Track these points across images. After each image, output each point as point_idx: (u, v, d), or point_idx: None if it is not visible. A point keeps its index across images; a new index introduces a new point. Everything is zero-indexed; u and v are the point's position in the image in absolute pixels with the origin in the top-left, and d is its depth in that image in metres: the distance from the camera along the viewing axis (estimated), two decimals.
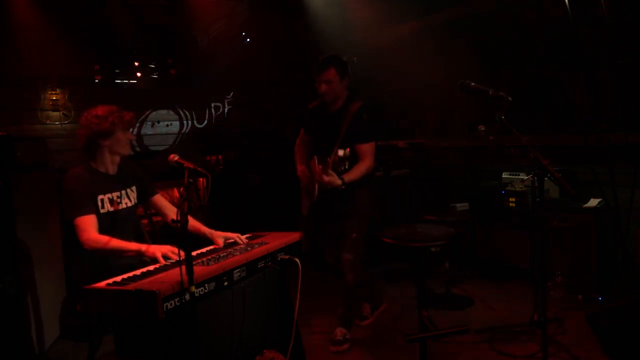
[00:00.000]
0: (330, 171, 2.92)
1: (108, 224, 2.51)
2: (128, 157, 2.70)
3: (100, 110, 2.52)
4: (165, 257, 2.29)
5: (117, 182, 2.62)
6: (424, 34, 5.54)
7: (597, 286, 3.55)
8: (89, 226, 2.36)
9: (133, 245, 2.36)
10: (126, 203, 2.64)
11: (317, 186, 3.18)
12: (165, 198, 4.49)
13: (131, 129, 2.65)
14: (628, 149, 3.76)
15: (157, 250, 2.31)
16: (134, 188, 2.71)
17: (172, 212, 2.77)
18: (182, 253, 1.93)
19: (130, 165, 2.73)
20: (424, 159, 5.36)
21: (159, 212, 2.85)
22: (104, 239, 2.35)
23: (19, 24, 4.91)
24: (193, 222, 2.69)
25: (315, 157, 3.24)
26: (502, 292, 4.00)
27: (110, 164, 2.59)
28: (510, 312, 3.58)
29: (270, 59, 6.43)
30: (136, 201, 2.72)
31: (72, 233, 2.40)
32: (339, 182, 2.95)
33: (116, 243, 2.34)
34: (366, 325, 3.48)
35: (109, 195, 2.55)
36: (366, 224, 3.25)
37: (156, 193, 2.82)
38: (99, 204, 2.50)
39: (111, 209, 2.55)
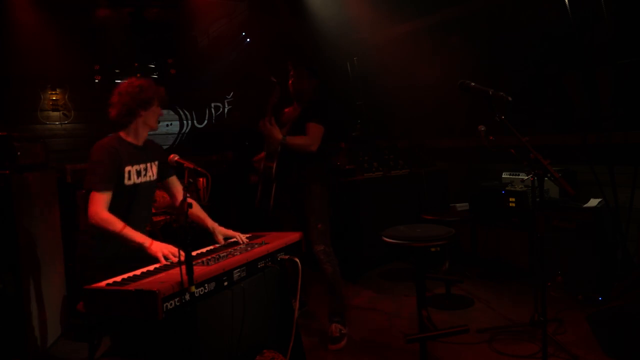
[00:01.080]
0: (273, 123, 3.23)
1: (131, 196, 2.51)
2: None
3: (142, 81, 2.55)
4: (165, 258, 2.29)
5: (144, 154, 2.63)
6: (423, 34, 5.54)
7: (597, 286, 3.55)
8: (100, 203, 2.34)
9: (139, 237, 2.34)
10: (150, 176, 2.65)
11: (261, 169, 3.40)
12: (165, 198, 4.52)
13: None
14: (628, 149, 3.76)
15: (159, 249, 2.30)
16: (156, 163, 2.71)
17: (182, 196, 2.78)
18: (182, 254, 1.93)
19: (154, 142, 2.75)
20: (424, 159, 5.36)
21: (170, 193, 2.85)
22: (112, 220, 2.33)
23: (19, 24, 4.92)
24: (199, 213, 2.72)
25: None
26: (502, 292, 4.00)
27: (140, 136, 2.61)
28: (510, 312, 3.58)
29: (270, 59, 6.43)
30: (157, 176, 2.72)
31: (67, 240, 2.40)
32: (280, 135, 3.23)
33: (125, 230, 2.33)
34: (338, 349, 3.21)
35: (137, 166, 2.56)
36: (326, 215, 3.42)
37: (173, 174, 2.82)
38: (126, 175, 2.49)
39: (137, 180, 2.55)
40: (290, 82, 3.54)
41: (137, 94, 2.50)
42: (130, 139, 2.58)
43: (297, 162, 3.38)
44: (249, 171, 3.74)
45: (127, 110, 2.51)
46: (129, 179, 2.51)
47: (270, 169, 3.35)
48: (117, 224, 2.32)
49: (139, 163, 2.58)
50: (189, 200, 2.03)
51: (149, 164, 2.65)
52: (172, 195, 2.86)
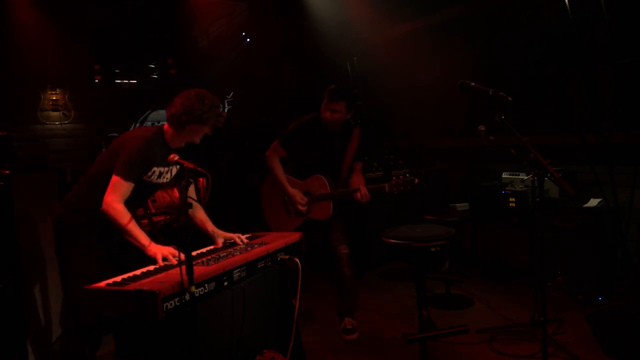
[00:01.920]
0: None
1: (141, 189, 2.51)
2: None
3: (211, 99, 2.51)
4: (164, 259, 2.28)
5: None
6: (423, 34, 5.54)
7: (597, 286, 3.55)
8: (121, 193, 2.35)
9: (140, 236, 2.33)
10: (165, 178, 2.65)
11: (332, 205, 3.32)
12: (165, 198, 4.51)
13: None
14: (628, 149, 3.76)
15: (159, 251, 2.30)
16: (178, 167, 2.67)
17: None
18: (182, 255, 1.93)
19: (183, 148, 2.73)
20: (424, 159, 5.36)
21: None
22: (123, 213, 2.33)
23: (19, 24, 4.91)
24: (201, 216, 2.73)
25: (322, 176, 3.35)
26: (502, 292, 4.00)
27: (178, 143, 2.59)
28: (510, 312, 3.58)
29: (270, 59, 6.43)
30: (171, 181, 2.73)
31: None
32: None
33: (131, 225, 2.33)
34: (352, 339, 3.33)
35: (161, 168, 2.57)
36: (343, 218, 3.48)
37: (191, 184, 2.79)
38: (149, 173, 2.50)
39: (156, 180, 2.57)
40: (326, 115, 3.30)
41: (197, 108, 2.45)
42: (169, 139, 2.56)
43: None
44: (249, 171, 3.74)
45: (178, 116, 2.47)
46: (150, 177, 2.53)
47: (334, 215, 3.35)
48: (125, 218, 2.33)
49: (164, 166, 2.59)
50: (190, 201, 2.03)
51: (173, 168, 2.66)
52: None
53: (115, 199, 2.33)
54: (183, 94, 2.50)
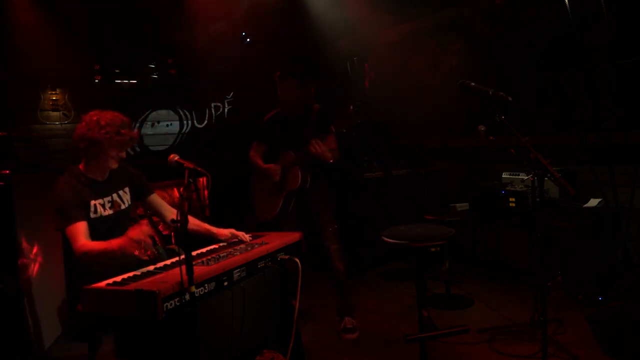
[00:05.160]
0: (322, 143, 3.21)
1: (103, 229, 2.46)
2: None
3: (104, 119, 2.42)
4: (139, 242, 2.20)
5: (107, 187, 2.55)
6: (424, 34, 5.54)
7: (597, 286, 3.55)
8: (78, 234, 2.29)
9: (110, 245, 2.23)
10: (119, 206, 2.57)
11: (299, 171, 3.37)
12: (165, 198, 4.51)
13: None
14: (628, 149, 3.76)
15: (135, 234, 2.19)
16: (126, 189, 2.64)
17: (169, 212, 2.73)
18: (182, 255, 1.93)
19: (121, 165, 2.60)
20: (424, 159, 5.36)
21: (156, 212, 2.78)
22: (89, 244, 2.27)
23: (19, 24, 4.91)
24: (194, 221, 2.68)
25: (290, 152, 3.43)
26: (502, 292, 4.00)
27: (98, 172, 2.51)
28: (510, 312, 3.58)
29: (270, 59, 6.43)
30: (130, 202, 2.65)
31: (67, 242, 2.37)
32: (330, 154, 3.27)
33: (98, 245, 2.26)
34: (352, 338, 3.35)
35: (100, 200, 2.49)
36: (335, 214, 3.52)
37: (152, 192, 2.76)
38: (92, 208, 2.44)
39: (104, 213, 2.49)
40: (280, 93, 3.49)
41: (90, 133, 2.38)
42: (89, 174, 2.49)
43: (320, 169, 3.47)
44: (249, 171, 3.75)
45: (81, 145, 2.40)
46: (95, 212, 2.45)
47: (307, 175, 3.39)
48: (102, 244, 2.26)
49: (102, 197, 2.51)
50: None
51: (114, 194, 2.57)
52: (159, 213, 2.78)
53: (78, 243, 2.26)
54: (80, 126, 2.43)
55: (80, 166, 2.51)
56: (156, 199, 2.77)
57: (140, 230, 2.20)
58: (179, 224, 1.92)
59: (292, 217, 3.50)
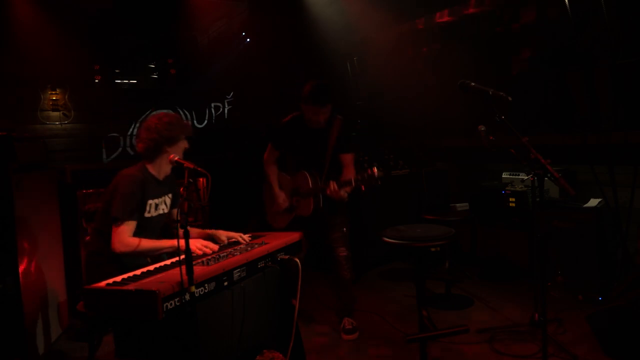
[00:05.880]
0: (342, 189, 3.08)
1: (145, 227, 2.56)
2: None
3: (170, 117, 2.61)
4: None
5: (163, 188, 2.69)
6: (423, 34, 5.53)
7: (597, 286, 3.55)
8: (127, 232, 2.42)
9: (166, 242, 2.43)
10: (163, 209, 2.71)
11: (312, 201, 3.29)
12: None
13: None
14: (628, 149, 3.76)
15: (192, 244, 2.33)
16: (170, 195, 2.77)
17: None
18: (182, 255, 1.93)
19: (171, 173, 2.77)
20: (424, 159, 5.36)
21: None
22: (134, 241, 2.41)
23: (19, 24, 4.91)
24: (193, 233, 2.73)
25: (305, 172, 3.33)
26: (502, 292, 4.00)
27: (163, 171, 2.66)
28: (510, 312, 3.58)
29: (270, 59, 6.43)
30: (169, 209, 2.78)
31: (67, 242, 2.45)
32: (346, 195, 3.12)
33: (148, 243, 2.42)
34: (352, 339, 3.34)
35: (156, 200, 2.63)
36: (348, 218, 3.44)
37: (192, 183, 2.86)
38: (147, 207, 2.56)
39: (154, 213, 2.62)
40: (317, 118, 3.25)
41: (164, 130, 2.54)
42: (153, 172, 2.62)
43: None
44: (249, 171, 3.75)
45: (153, 146, 2.55)
46: (149, 211, 2.57)
47: (319, 203, 3.29)
48: (142, 241, 2.41)
49: (158, 197, 2.64)
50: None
51: (165, 197, 2.71)
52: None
53: (122, 239, 2.40)
54: (143, 126, 2.59)
55: (147, 165, 2.62)
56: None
57: (198, 241, 2.42)
58: (179, 224, 1.92)
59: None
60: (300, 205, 3.37)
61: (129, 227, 2.43)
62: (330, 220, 3.35)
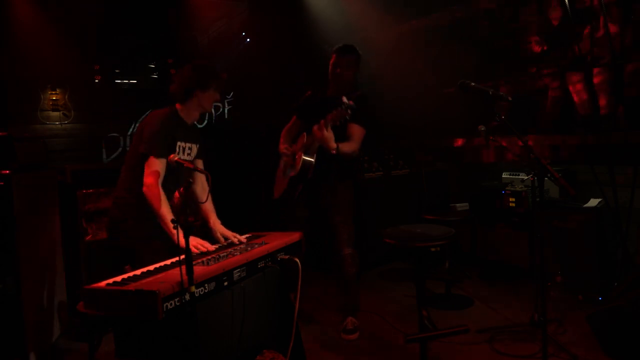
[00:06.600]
0: (330, 128, 2.97)
1: (172, 170, 2.55)
2: None
3: (204, 62, 2.66)
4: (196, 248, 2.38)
5: (192, 134, 2.72)
6: (424, 34, 5.53)
7: (597, 286, 3.55)
8: (158, 174, 2.43)
9: (171, 225, 2.38)
10: (189, 156, 2.72)
11: (300, 161, 3.21)
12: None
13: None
14: (628, 149, 3.76)
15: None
16: (198, 145, 2.79)
17: (200, 180, 2.81)
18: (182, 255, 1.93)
19: (195, 125, 2.81)
20: (425, 159, 5.36)
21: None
22: (162, 199, 2.41)
23: (19, 24, 4.91)
24: (208, 206, 2.77)
25: (305, 134, 3.30)
26: (502, 292, 4.00)
27: (192, 116, 2.69)
28: (510, 312, 3.58)
29: (270, 59, 6.43)
30: (194, 157, 2.79)
31: (67, 242, 2.44)
32: (334, 144, 3.02)
33: (162, 210, 2.40)
34: (351, 339, 3.34)
35: (185, 144, 2.65)
36: (352, 215, 3.38)
37: (202, 158, 2.88)
38: (177, 149, 2.58)
39: (184, 157, 2.63)
40: (336, 70, 3.27)
41: (197, 74, 2.58)
42: (183, 115, 2.66)
43: (334, 162, 3.22)
44: (249, 171, 3.75)
45: (185, 88, 2.60)
46: (178, 154, 2.59)
47: (310, 164, 3.19)
48: (160, 203, 2.41)
49: (187, 141, 2.66)
50: (191, 180, 2.14)
51: (193, 144, 2.73)
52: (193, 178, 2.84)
53: (153, 181, 2.41)
54: (180, 69, 2.65)
55: (177, 106, 2.66)
56: (199, 163, 2.84)
57: (194, 239, 2.41)
58: (178, 224, 1.92)
59: (303, 212, 3.42)
60: (296, 164, 3.28)
61: (159, 166, 2.44)
62: (333, 221, 3.29)
